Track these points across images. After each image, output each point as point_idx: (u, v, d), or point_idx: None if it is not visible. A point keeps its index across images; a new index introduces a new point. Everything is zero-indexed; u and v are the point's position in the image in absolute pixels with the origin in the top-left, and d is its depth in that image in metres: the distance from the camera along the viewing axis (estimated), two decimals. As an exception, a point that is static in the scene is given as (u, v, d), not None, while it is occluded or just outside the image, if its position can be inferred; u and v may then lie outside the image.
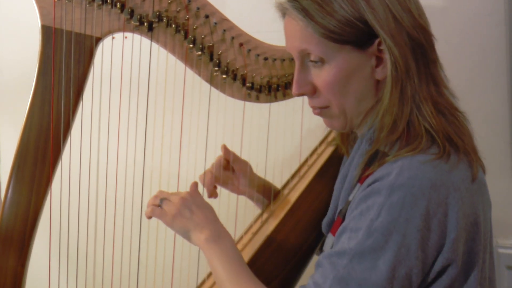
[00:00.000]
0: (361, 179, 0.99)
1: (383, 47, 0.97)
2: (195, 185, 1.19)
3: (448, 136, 0.95)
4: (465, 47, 1.72)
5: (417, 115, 0.96)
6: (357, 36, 0.96)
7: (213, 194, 1.35)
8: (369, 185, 0.93)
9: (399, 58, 0.95)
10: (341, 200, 1.07)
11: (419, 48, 0.97)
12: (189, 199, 1.13)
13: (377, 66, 0.99)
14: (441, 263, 0.91)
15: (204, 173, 1.34)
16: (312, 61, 1.01)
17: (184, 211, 1.11)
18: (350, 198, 1.01)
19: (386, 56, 0.96)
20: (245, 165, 1.40)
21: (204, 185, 1.33)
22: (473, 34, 1.71)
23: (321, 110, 1.06)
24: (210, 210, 1.14)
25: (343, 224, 0.96)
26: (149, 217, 1.16)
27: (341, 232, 0.96)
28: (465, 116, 1.03)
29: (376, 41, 0.97)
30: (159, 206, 1.14)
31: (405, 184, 0.89)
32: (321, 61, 1.00)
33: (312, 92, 1.04)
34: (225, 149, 1.37)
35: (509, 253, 1.68)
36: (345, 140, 1.24)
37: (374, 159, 0.98)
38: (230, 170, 1.40)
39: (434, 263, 0.91)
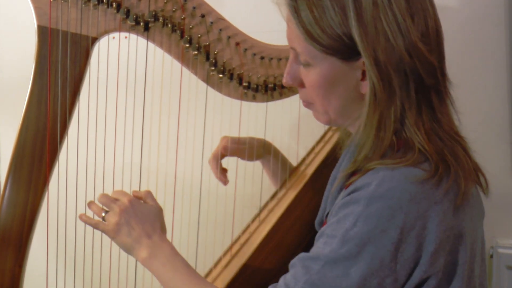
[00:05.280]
0: (346, 185, 0.98)
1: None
2: (145, 192, 1.18)
3: (442, 157, 0.92)
4: (465, 47, 1.71)
5: (408, 135, 0.93)
6: (342, 50, 0.94)
7: (222, 179, 1.38)
8: (350, 193, 0.93)
9: (378, 84, 0.91)
10: (329, 203, 1.07)
11: (412, 73, 0.91)
12: (129, 210, 1.11)
13: (362, 79, 0.96)
14: (419, 275, 0.90)
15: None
16: (300, 62, 1.01)
17: (122, 227, 1.09)
18: (336, 201, 1.00)
19: (367, 79, 0.93)
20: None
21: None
22: (473, 34, 1.71)
23: (308, 104, 1.05)
24: (149, 219, 1.12)
25: (322, 228, 0.96)
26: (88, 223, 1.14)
27: (319, 236, 0.96)
28: (465, 141, 0.98)
29: (361, 59, 0.94)
30: (103, 217, 1.12)
31: (383, 196, 0.88)
32: (308, 64, 0.99)
33: (300, 85, 1.04)
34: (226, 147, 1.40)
35: (509, 253, 1.67)
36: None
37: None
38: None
39: (411, 275, 0.90)
